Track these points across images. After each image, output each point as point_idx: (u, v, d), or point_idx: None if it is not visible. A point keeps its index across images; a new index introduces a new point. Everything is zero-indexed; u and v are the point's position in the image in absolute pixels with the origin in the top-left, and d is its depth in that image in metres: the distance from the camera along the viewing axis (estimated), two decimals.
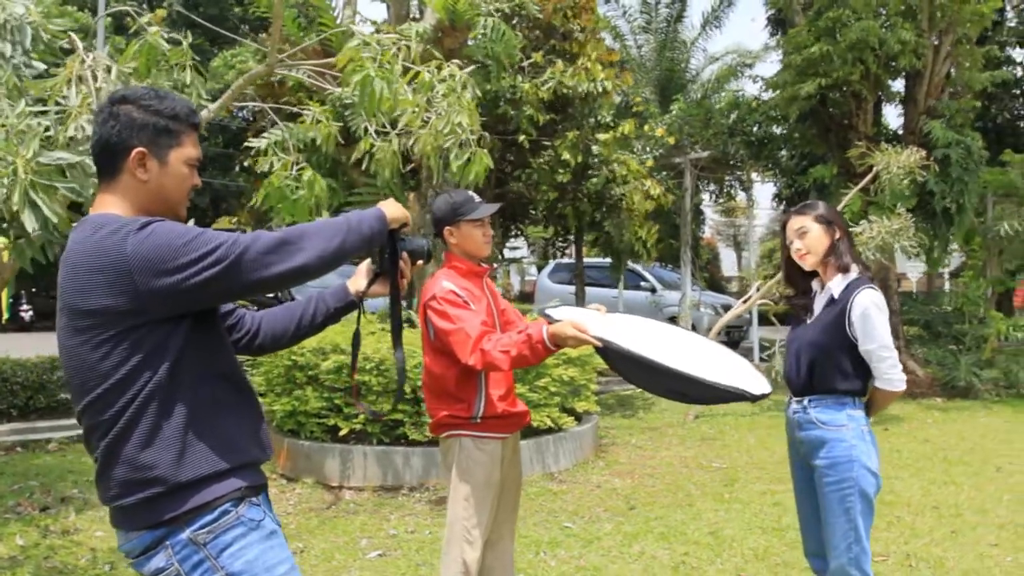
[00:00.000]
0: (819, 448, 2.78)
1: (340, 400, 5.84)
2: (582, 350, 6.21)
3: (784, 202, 13.85)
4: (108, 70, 3.49)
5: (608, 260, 11.86)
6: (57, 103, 3.32)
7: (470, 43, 7.67)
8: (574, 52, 9.24)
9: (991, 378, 10.23)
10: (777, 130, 12.54)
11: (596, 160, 9.45)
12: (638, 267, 15.56)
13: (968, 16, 9.99)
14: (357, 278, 2.17)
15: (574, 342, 2.53)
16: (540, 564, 4.27)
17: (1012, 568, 4.22)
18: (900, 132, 11.31)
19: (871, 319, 2.71)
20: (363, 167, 4.87)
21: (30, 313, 18.37)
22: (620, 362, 2.55)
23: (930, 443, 7.39)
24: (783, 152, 12.90)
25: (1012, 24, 16.08)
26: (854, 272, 2.83)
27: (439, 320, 2.83)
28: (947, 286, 20.16)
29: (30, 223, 2.70)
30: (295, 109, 5.08)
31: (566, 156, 8.80)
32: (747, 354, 13.34)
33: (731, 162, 13.75)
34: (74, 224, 2.98)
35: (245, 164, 5.52)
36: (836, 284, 2.83)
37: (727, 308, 13.67)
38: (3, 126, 2.93)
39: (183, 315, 1.71)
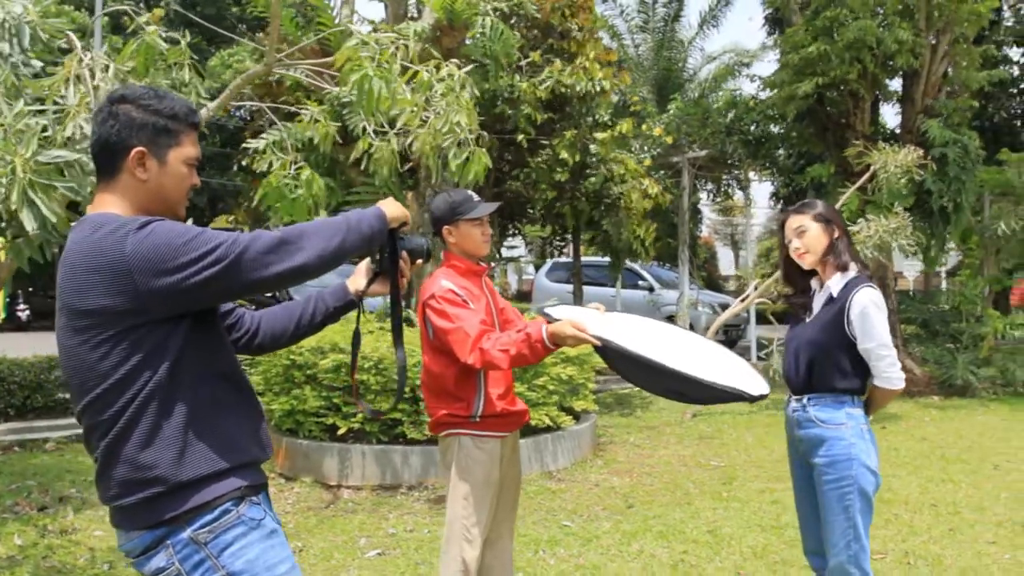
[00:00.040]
0: (818, 446, 2.79)
1: (338, 399, 5.84)
2: (580, 349, 6.22)
3: (781, 201, 13.88)
4: (106, 69, 3.48)
5: (606, 259, 11.87)
6: (55, 102, 3.31)
7: (468, 42, 7.66)
8: (572, 51, 9.25)
9: (988, 376, 10.25)
10: (775, 129, 12.56)
11: (594, 159, 9.45)
12: (636, 266, 15.57)
13: (965, 15, 10.01)
14: (356, 277, 2.17)
15: (573, 341, 2.53)
16: (539, 563, 4.28)
17: (1010, 565, 4.23)
18: (897, 131, 11.33)
19: (870, 317, 2.72)
20: (361, 166, 4.87)
21: (27, 313, 18.36)
22: (619, 361, 2.56)
23: (928, 441, 7.40)
24: (780, 151, 12.92)
25: (1009, 23, 16.11)
26: (853, 271, 2.83)
27: (438, 319, 2.83)
28: (944, 285, 20.19)
29: (29, 223, 2.70)
30: (293, 108, 5.08)
31: (564, 155, 8.81)
32: (745, 353, 13.36)
33: (729, 161, 13.77)
34: (72, 224, 2.99)
35: (243, 163, 5.51)
36: (835, 283, 2.83)
37: (725, 307, 13.68)
38: (1, 125, 2.92)
39: (183, 315, 1.70)
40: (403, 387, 2.23)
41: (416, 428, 5.72)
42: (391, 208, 1.93)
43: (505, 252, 18.24)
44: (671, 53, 17.51)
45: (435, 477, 5.68)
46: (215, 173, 18.13)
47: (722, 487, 5.80)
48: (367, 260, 2.17)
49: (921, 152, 8.54)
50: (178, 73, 3.85)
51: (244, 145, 5.02)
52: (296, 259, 1.69)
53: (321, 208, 4.58)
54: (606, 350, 2.49)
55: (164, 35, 3.85)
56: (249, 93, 6.25)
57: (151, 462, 1.66)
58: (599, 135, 9.18)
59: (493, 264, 15.81)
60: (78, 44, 3.54)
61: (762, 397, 2.43)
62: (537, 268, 19.93)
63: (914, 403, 9.40)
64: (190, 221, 2.17)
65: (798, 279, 3.01)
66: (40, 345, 8.86)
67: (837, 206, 8.46)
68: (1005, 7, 15.81)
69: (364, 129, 4.62)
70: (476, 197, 3.02)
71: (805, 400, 2.85)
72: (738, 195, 16.44)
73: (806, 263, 2.90)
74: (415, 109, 4.15)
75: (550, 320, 2.60)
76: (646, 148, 11.84)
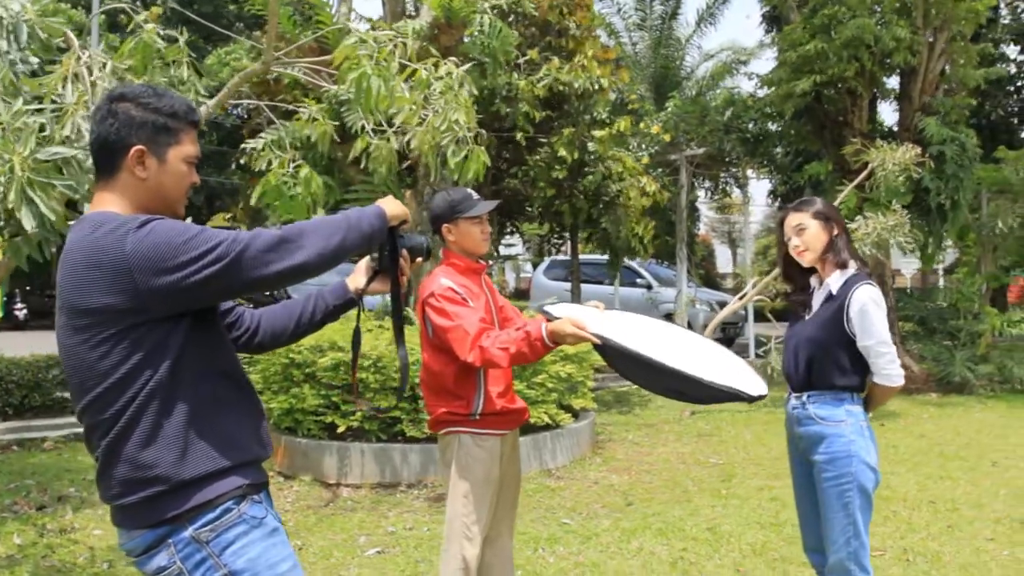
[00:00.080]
0: (818, 444, 2.79)
1: (337, 397, 5.84)
2: (579, 347, 6.21)
3: (779, 199, 13.90)
4: (103, 67, 3.47)
5: (603, 257, 11.87)
6: (53, 101, 3.31)
7: (466, 40, 7.65)
8: (570, 49, 9.24)
9: (986, 373, 10.27)
10: (772, 127, 12.56)
11: (592, 157, 9.45)
12: (634, 264, 15.58)
13: (963, 13, 10.02)
14: (356, 275, 2.17)
15: (573, 339, 2.53)
16: (539, 561, 4.28)
17: (1008, 562, 4.24)
18: (895, 129, 11.33)
19: (869, 315, 2.72)
20: (360, 165, 4.86)
21: (24, 312, 18.35)
22: (619, 360, 2.56)
23: (926, 438, 7.41)
24: (778, 149, 12.92)
25: (1006, 21, 16.14)
26: (852, 268, 2.83)
27: (438, 317, 2.83)
28: (941, 282, 20.22)
29: (27, 221, 2.69)
30: (291, 107, 5.08)
31: (563, 153, 8.81)
32: (743, 350, 13.38)
33: (726, 159, 13.77)
34: (70, 222, 2.98)
35: (240, 162, 5.50)
36: (834, 280, 2.83)
37: (723, 304, 13.70)
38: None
39: (183, 313, 1.70)
40: (405, 384, 2.23)
41: (415, 426, 5.72)
42: (391, 206, 1.93)
43: (503, 250, 18.23)
44: (668, 51, 17.50)
45: (434, 475, 5.68)
46: (212, 171, 18.11)
47: (721, 484, 5.81)
48: (367, 258, 2.16)
49: (919, 150, 8.55)
50: (176, 71, 3.84)
51: (243, 145, 5.01)
52: (296, 257, 1.69)
53: (319, 206, 4.57)
54: (606, 348, 2.49)
55: (162, 33, 3.84)
56: (247, 91, 6.24)
57: (152, 461, 1.66)
58: (597, 133, 9.18)
59: (491, 262, 15.81)
60: (76, 42, 3.53)
61: (761, 397, 2.44)
62: (535, 266, 19.94)
63: (912, 400, 9.42)
64: (188, 220, 2.17)
65: (797, 276, 3.02)
66: (38, 344, 8.85)
67: (835, 204, 8.47)
68: (1002, 5, 15.84)
69: (362, 127, 4.61)
70: (475, 195, 3.02)
71: (805, 397, 2.85)
72: (736, 193, 16.44)
73: (805, 261, 2.90)
74: (413, 107, 4.14)
75: (550, 318, 2.60)
76: (644, 146, 11.85)
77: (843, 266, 2.84)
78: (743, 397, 2.40)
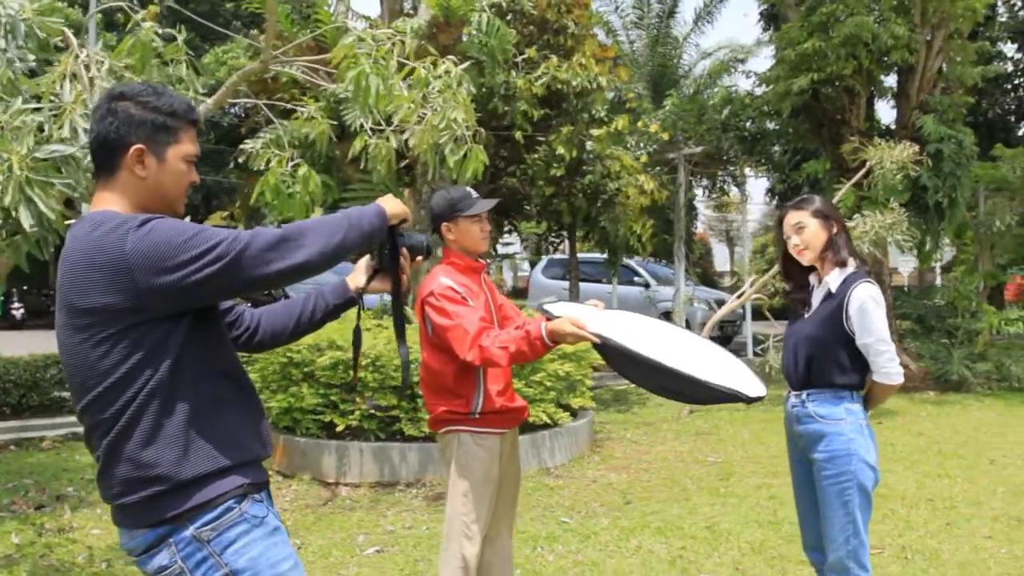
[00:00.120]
0: (817, 442, 2.79)
1: (336, 396, 5.84)
2: (578, 345, 6.20)
3: (777, 197, 13.89)
4: (100, 65, 3.47)
5: (601, 255, 11.87)
6: (51, 100, 3.30)
7: (464, 39, 7.65)
8: (568, 47, 9.24)
9: (983, 371, 10.29)
10: (770, 125, 12.57)
11: (590, 156, 9.45)
12: (632, 262, 15.58)
13: (960, 11, 10.03)
14: (356, 274, 2.17)
15: (573, 339, 2.53)
16: (538, 559, 4.28)
17: (1006, 560, 4.25)
18: (892, 127, 11.34)
19: (868, 313, 2.72)
20: (359, 164, 4.86)
21: (21, 311, 18.33)
22: (618, 359, 2.55)
23: (924, 436, 7.42)
24: (776, 147, 12.93)
25: (1004, 19, 16.15)
26: (851, 266, 2.84)
27: (437, 316, 2.82)
28: (939, 280, 20.24)
29: (26, 219, 2.69)
30: (289, 105, 5.07)
31: (561, 150, 8.81)
32: (741, 349, 13.39)
33: (724, 157, 13.77)
34: (68, 221, 2.98)
35: (238, 160, 5.50)
36: (833, 278, 2.83)
37: (721, 303, 13.70)
38: None
39: (183, 312, 1.70)
40: (407, 381, 2.23)
41: (414, 425, 5.72)
42: (391, 205, 1.93)
43: (501, 249, 18.23)
44: (666, 49, 17.50)
45: (433, 474, 5.68)
46: (210, 170, 18.07)
47: (719, 483, 5.81)
48: (367, 257, 2.16)
49: (916, 148, 8.56)
50: (175, 69, 3.83)
51: (242, 146, 5.00)
52: (297, 256, 1.68)
53: (317, 205, 4.56)
54: (605, 348, 2.49)
55: (161, 32, 3.83)
56: (245, 90, 6.23)
57: (153, 460, 1.66)
58: (595, 131, 9.18)
59: (489, 261, 15.80)
60: (74, 41, 3.52)
61: (759, 399, 2.44)
62: (532, 265, 19.93)
63: (910, 399, 9.43)
64: (187, 219, 2.17)
65: (797, 275, 3.02)
66: (35, 343, 8.83)
67: (833, 202, 8.48)
68: (1000, 3, 15.85)
69: (361, 126, 4.61)
70: (475, 194, 3.02)
71: (804, 396, 2.86)
72: (734, 191, 16.45)
73: (805, 259, 2.90)
74: (412, 106, 4.13)
75: (549, 317, 2.60)
76: (642, 144, 11.85)
77: (842, 264, 2.84)
78: (741, 398, 2.41)
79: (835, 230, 2.87)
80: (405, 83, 4.06)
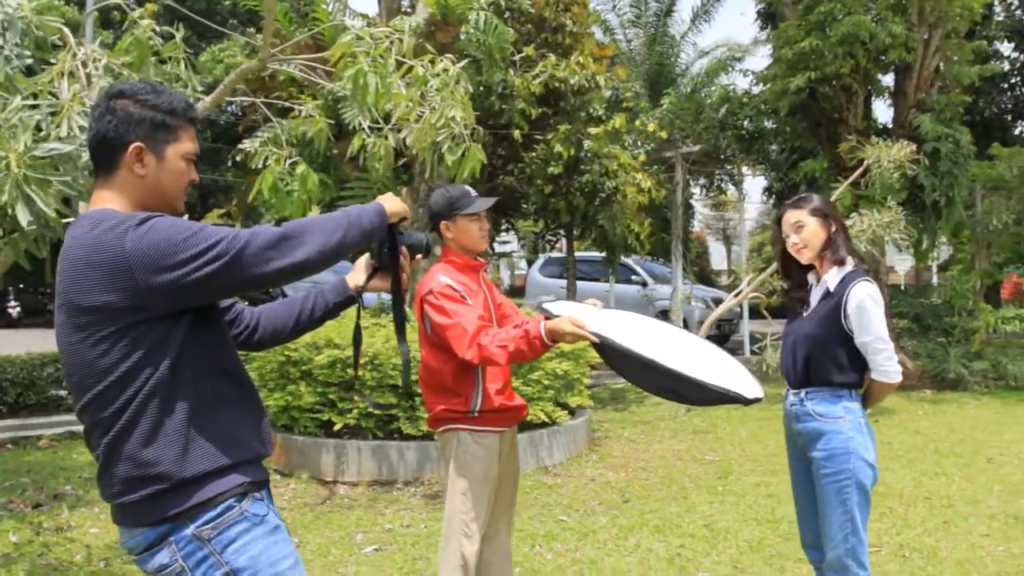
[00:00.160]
0: (816, 440, 2.80)
1: (334, 395, 5.83)
2: (576, 344, 6.22)
3: (774, 196, 13.90)
4: (97, 63, 3.46)
5: (599, 254, 11.86)
6: (49, 97, 3.29)
7: (462, 37, 7.64)
8: (566, 46, 9.24)
9: (980, 370, 10.30)
10: (767, 124, 12.57)
11: (588, 154, 9.45)
12: (629, 261, 15.58)
13: (957, 10, 10.03)
14: (356, 273, 2.17)
15: (571, 338, 2.53)
16: (536, 557, 4.28)
17: (1004, 557, 4.26)
18: (890, 126, 11.34)
19: (867, 311, 2.72)
20: (357, 162, 4.85)
21: (18, 310, 18.30)
22: (617, 359, 2.55)
23: (921, 435, 7.44)
24: (773, 146, 12.93)
25: (1000, 19, 16.17)
26: (850, 265, 2.84)
27: (436, 315, 2.82)
28: (935, 279, 20.28)
29: (24, 217, 2.68)
30: (287, 104, 5.06)
31: (559, 148, 8.81)
32: (738, 347, 13.40)
33: (722, 156, 13.78)
34: (64, 220, 2.97)
35: (236, 159, 5.49)
36: (832, 277, 2.84)
37: (718, 302, 13.71)
38: None
39: (183, 311, 1.69)
40: (408, 378, 2.23)
41: (412, 424, 5.72)
42: (391, 203, 1.92)
43: (498, 247, 18.23)
44: (663, 48, 17.50)
45: (431, 472, 5.68)
46: (207, 169, 18.05)
47: (717, 481, 5.82)
48: (366, 255, 2.16)
49: (913, 147, 8.57)
50: (173, 67, 3.82)
51: (240, 146, 4.99)
52: (297, 255, 1.68)
53: (315, 204, 4.56)
54: (604, 347, 2.49)
55: (158, 30, 3.82)
56: (243, 88, 6.22)
57: (153, 459, 1.65)
58: (593, 130, 9.18)
59: (487, 260, 15.80)
60: (72, 39, 3.51)
61: (756, 400, 2.45)
62: (530, 263, 19.93)
63: (907, 397, 9.45)
64: (185, 217, 2.16)
65: (796, 273, 3.02)
66: (32, 342, 8.82)
67: (831, 201, 8.49)
68: (996, 2, 15.87)
69: (359, 124, 4.60)
70: (473, 192, 3.02)
71: (803, 394, 2.86)
72: (731, 190, 16.46)
73: (804, 258, 2.90)
74: (410, 104, 4.13)
75: (549, 316, 2.60)
76: (640, 143, 11.85)
77: (841, 263, 2.84)
78: (739, 399, 2.42)
79: (834, 229, 2.88)
80: (403, 81, 4.05)
